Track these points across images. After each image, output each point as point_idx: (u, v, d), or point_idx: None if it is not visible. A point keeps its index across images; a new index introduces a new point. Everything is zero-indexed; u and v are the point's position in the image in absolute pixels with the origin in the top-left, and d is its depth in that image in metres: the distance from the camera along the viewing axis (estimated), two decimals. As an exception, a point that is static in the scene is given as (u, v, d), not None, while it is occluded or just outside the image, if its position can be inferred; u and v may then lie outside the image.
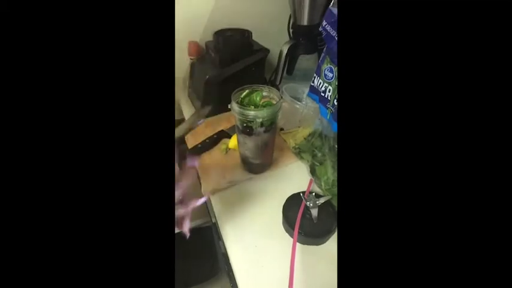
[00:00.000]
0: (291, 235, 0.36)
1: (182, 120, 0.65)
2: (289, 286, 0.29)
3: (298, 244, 0.35)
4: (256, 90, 0.41)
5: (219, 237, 0.43)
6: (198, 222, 1.11)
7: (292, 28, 0.62)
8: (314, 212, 0.37)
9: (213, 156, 0.50)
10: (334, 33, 0.37)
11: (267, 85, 0.41)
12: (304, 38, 0.59)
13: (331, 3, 0.38)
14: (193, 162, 0.31)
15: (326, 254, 0.35)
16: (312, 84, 0.43)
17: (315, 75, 0.42)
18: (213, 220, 0.51)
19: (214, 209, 0.43)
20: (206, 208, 0.68)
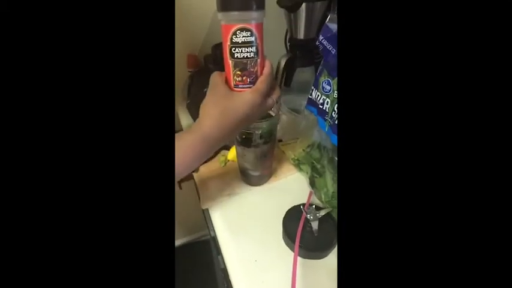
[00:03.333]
0: (292, 248, 0.35)
1: (180, 130, 0.65)
2: (290, 303, 0.28)
3: (299, 258, 0.34)
4: (255, 103, 0.41)
5: (218, 252, 0.42)
6: (195, 236, 1.09)
7: (289, 42, 0.63)
8: (315, 225, 0.36)
9: (212, 168, 0.50)
10: (330, 47, 0.38)
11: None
12: (301, 52, 0.61)
13: (328, 19, 0.39)
14: None
15: (328, 268, 0.34)
16: (310, 96, 0.43)
17: (312, 87, 0.43)
18: (212, 234, 0.50)
19: (213, 223, 0.42)
20: (205, 221, 0.67)
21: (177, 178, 0.32)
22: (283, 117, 0.52)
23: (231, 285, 0.35)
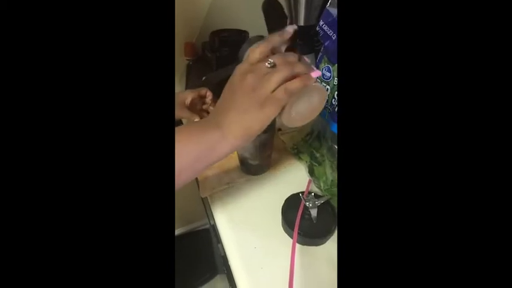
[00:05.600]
0: (291, 236, 0.36)
1: (179, 121, 0.65)
2: (289, 287, 0.29)
3: (297, 245, 0.35)
4: (253, 91, 0.40)
5: (218, 240, 0.43)
6: (195, 225, 1.10)
7: (288, 29, 0.62)
8: (313, 212, 0.36)
9: (211, 157, 0.50)
10: (331, 32, 0.37)
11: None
12: (300, 39, 0.59)
13: (329, 3, 0.38)
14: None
15: (325, 254, 0.35)
16: (310, 84, 0.43)
17: (312, 75, 0.42)
18: (211, 222, 0.51)
19: (213, 211, 0.42)
20: (204, 210, 0.68)
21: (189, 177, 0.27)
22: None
23: (230, 271, 0.36)
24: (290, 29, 0.28)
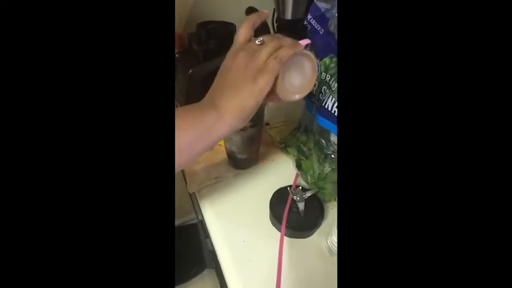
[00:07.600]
0: (278, 229, 0.36)
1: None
2: (277, 279, 0.29)
3: (285, 237, 0.35)
4: (241, 84, 0.40)
5: (206, 235, 0.43)
6: (182, 220, 1.09)
7: (276, 22, 0.61)
8: (301, 206, 0.37)
9: (198, 152, 0.49)
10: (318, 27, 0.37)
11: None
12: (288, 33, 0.59)
13: (316, -3, 0.38)
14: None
15: (313, 246, 0.36)
16: (297, 78, 0.43)
17: (300, 69, 0.42)
18: (199, 217, 0.51)
19: (201, 206, 0.42)
20: (192, 205, 0.67)
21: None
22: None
23: (219, 265, 0.36)
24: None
